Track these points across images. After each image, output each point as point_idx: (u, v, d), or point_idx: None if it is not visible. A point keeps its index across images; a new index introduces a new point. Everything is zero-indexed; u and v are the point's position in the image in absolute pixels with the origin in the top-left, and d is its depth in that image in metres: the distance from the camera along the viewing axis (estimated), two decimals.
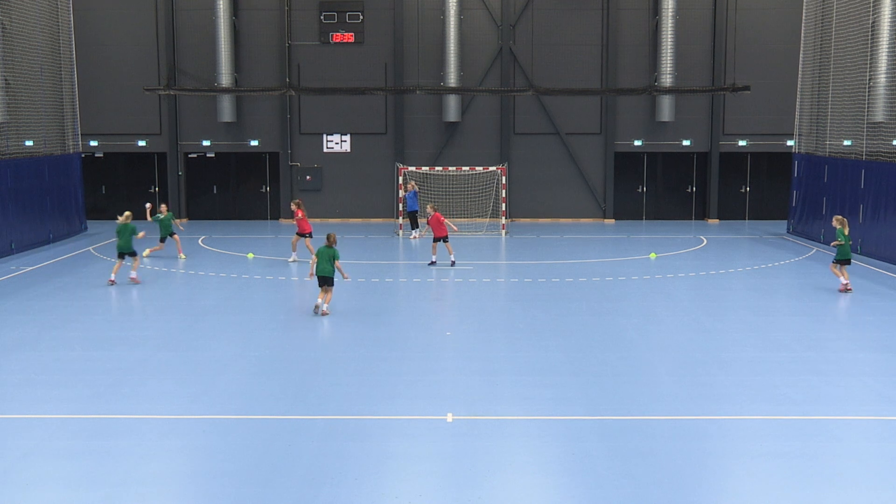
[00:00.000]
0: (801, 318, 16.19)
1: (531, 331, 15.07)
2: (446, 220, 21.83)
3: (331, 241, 16.30)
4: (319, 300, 16.42)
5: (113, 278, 19.05)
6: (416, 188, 27.57)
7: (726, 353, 13.63)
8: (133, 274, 19.25)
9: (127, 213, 19.48)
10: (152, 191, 31.47)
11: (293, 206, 22.38)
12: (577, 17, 30.69)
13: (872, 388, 11.88)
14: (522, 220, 31.26)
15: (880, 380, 12.27)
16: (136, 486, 8.66)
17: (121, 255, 19.13)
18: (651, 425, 10.37)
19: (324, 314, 16.28)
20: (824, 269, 21.18)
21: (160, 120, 31.24)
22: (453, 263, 21.44)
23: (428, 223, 22.21)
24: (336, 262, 16.25)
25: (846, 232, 18.14)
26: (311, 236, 22.25)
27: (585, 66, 30.82)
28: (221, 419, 10.62)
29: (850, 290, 18.15)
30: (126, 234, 19.04)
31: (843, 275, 18.26)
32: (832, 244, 18.58)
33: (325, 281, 16.25)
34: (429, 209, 22.18)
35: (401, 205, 27.92)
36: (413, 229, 26.92)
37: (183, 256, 22.83)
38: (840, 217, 18.58)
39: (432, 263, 21.60)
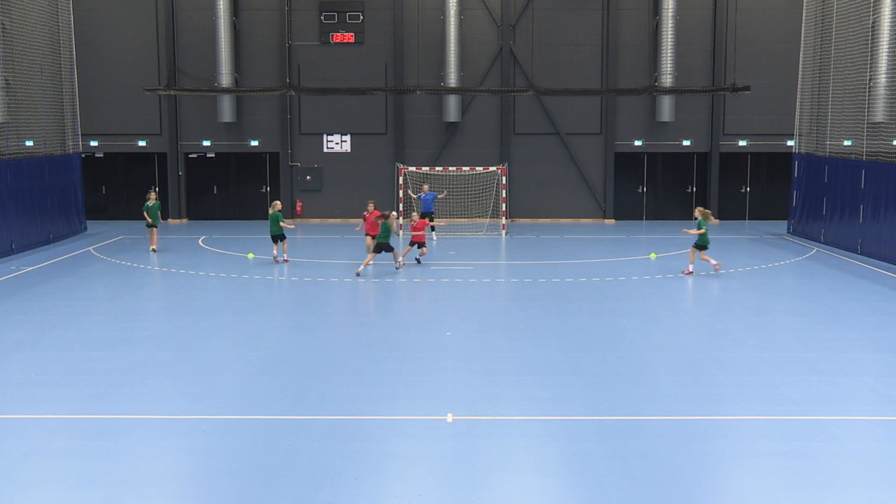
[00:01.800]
0: (801, 318, 16.19)
1: (531, 331, 15.07)
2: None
3: (387, 217, 20.46)
4: (367, 265, 20.62)
5: (275, 255, 22.22)
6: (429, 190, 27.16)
7: (726, 353, 13.63)
8: (284, 255, 22.13)
9: (276, 202, 22.39)
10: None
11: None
12: (577, 17, 30.70)
13: (872, 388, 11.88)
14: (522, 220, 31.27)
15: (880, 380, 12.27)
16: (136, 486, 8.66)
17: (274, 240, 22.05)
18: (651, 425, 10.37)
19: (402, 266, 21.01)
20: (825, 270, 21.21)
21: (160, 120, 31.25)
22: (399, 267, 21.23)
23: (365, 218, 22.14)
24: (390, 231, 20.45)
25: (708, 222, 20.15)
26: (422, 245, 22.22)
27: (585, 66, 30.83)
28: (221, 419, 10.62)
29: (697, 273, 20.26)
30: (275, 221, 21.69)
31: (691, 260, 20.35)
32: (691, 231, 20.56)
33: (385, 247, 20.31)
34: (393, 213, 22.32)
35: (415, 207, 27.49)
36: (431, 231, 26.67)
37: (154, 248, 24.01)
38: (701, 209, 20.55)
39: (399, 266, 21.53)
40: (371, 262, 20.73)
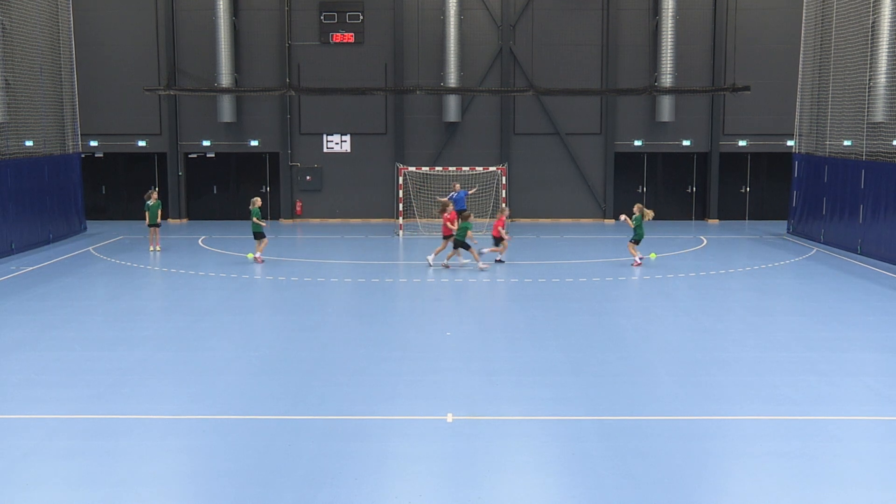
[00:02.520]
0: (801, 318, 16.19)
1: (531, 331, 15.06)
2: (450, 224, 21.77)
3: (465, 217, 21.15)
4: (450, 260, 21.26)
5: (258, 255, 22.20)
6: (461, 188, 26.95)
7: (726, 353, 13.63)
8: (257, 254, 22.28)
9: (255, 198, 22.80)
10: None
11: (450, 206, 22.40)
12: (577, 17, 30.70)
13: (872, 388, 11.88)
14: (522, 221, 31.26)
15: (880, 380, 12.27)
16: (136, 486, 8.66)
17: (255, 237, 22.18)
18: (651, 425, 10.37)
19: (460, 266, 21.15)
20: (825, 270, 21.21)
21: (160, 120, 31.24)
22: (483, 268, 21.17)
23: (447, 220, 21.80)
24: (468, 231, 21.01)
25: (643, 219, 21.81)
26: (501, 241, 22.27)
27: (585, 66, 30.83)
28: (221, 419, 10.62)
29: (639, 264, 21.58)
30: (257, 217, 22.04)
31: (635, 252, 21.73)
32: (623, 218, 22.57)
33: (463, 245, 21.00)
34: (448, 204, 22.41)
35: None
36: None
37: (156, 249, 24.21)
38: (640, 205, 22.31)
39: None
40: (457, 255, 21.22)
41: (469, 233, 21.06)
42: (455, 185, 26.80)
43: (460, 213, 21.84)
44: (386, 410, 10.92)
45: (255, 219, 21.88)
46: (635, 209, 21.98)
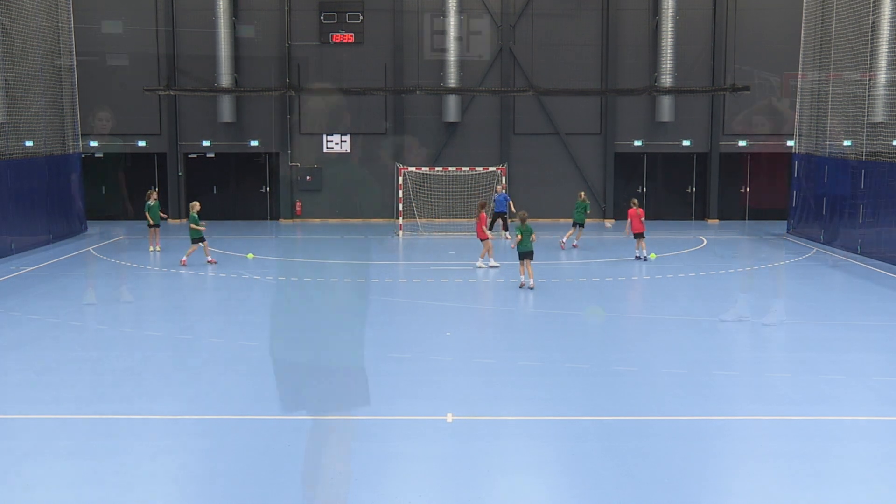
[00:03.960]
0: (802, 318, 16.18)
1: (531, 331, 15.06)
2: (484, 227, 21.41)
3: (523, 219, 18.61)
4: (523, 276, 18.59)
5: (184, 259, 21.59)
6: (505, 191, 26.87)
7: (726, 353, 13.62)
8: (209, 257, 21.84)
9: (193, 202, 22.13)
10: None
11: (636, 204, 22.61)
12: (576, 17, 30.69)
13: (872, 388, 11.88)
14: None
15: (880, 380, 12.27)
16: (136, 486, 8.65)
17: (194, 241, 21.62)
18: (651, 425, 10.37)
19: (531, 287, 18.42)
20: (825, 270, 21.20)
21: (160, 120, 31.23)
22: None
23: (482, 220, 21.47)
24: (532, 235, 18.38)
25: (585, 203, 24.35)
26: (642, 237, 22.41)
27: (585, 66, 30.83)
28: (221, 419, 10.61)
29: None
30: (194, 222, 21.52)
31: (575, 235, 24.46)
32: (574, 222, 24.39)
33: (529, 255, 18.42)
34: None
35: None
36: (505, 230, 26.50)
37: (157, 248, 24.15)
38: (583, 193, 25.26)
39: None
40: (525, 270, 18.55)
41: (533, 236, 18.46)
42: (498, 188, 26.69)
43: (497, 216, 21.13)
44: (386, 410, 10.91)
45: (192, 224, 21.34)
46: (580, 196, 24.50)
